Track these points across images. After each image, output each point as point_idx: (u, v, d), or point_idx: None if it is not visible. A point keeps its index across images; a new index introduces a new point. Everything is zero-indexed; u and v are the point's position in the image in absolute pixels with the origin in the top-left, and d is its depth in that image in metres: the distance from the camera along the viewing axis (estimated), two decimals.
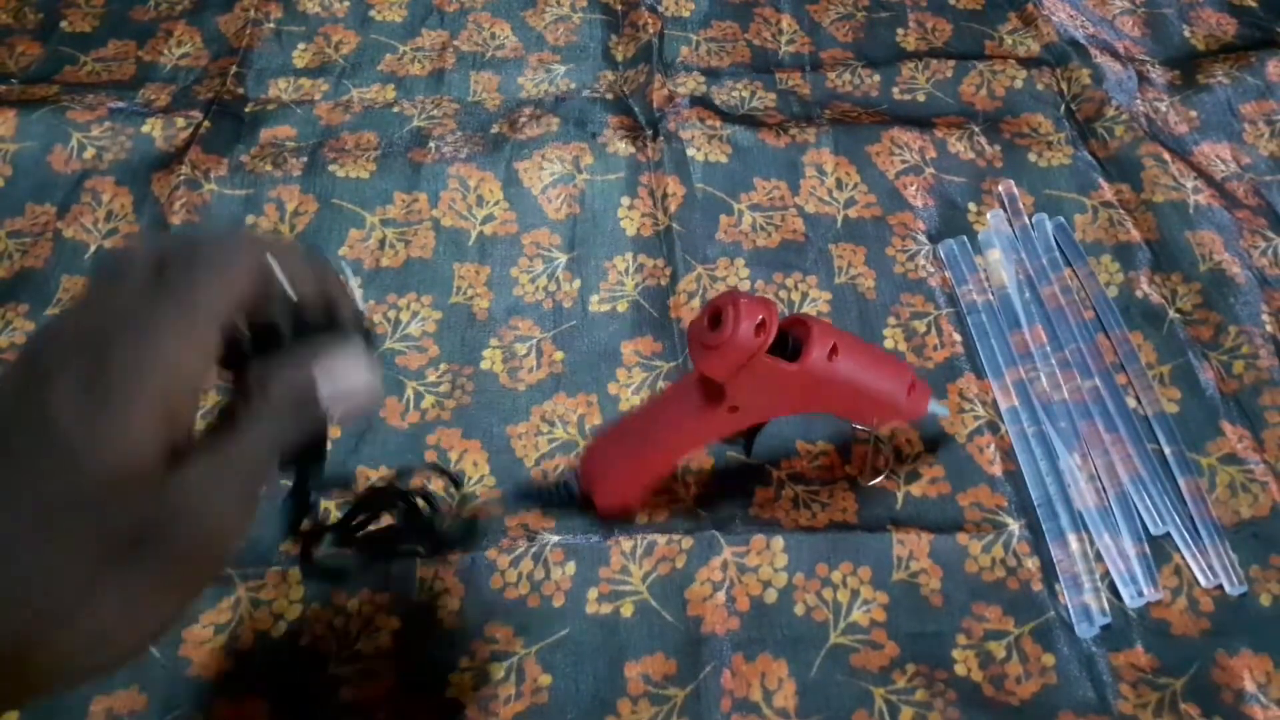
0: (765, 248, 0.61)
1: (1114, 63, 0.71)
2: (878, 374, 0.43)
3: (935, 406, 0.48)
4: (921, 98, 0.71)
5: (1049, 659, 0.46)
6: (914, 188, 0.65)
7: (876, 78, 0.72)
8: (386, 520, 0.43)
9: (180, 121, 0.65)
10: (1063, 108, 0.70)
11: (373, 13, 0.75)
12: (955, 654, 0.47)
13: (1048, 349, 0.56)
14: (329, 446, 0.32)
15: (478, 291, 0.59)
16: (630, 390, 0.55)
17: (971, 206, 0.64)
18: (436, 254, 0.61)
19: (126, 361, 0.24)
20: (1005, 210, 0.63)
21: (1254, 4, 0.78)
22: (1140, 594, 0.48)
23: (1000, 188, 0.64)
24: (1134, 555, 0.49)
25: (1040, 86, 0.71)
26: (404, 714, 0.44)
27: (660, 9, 0.76)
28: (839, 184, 0.65)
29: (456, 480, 0.50)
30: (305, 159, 0.64)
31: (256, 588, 0.47)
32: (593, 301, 0.59)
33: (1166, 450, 0.53)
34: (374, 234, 0.61)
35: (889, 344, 0.57)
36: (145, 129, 0.65)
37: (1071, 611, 0.48)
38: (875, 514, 0.51)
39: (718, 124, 0.67)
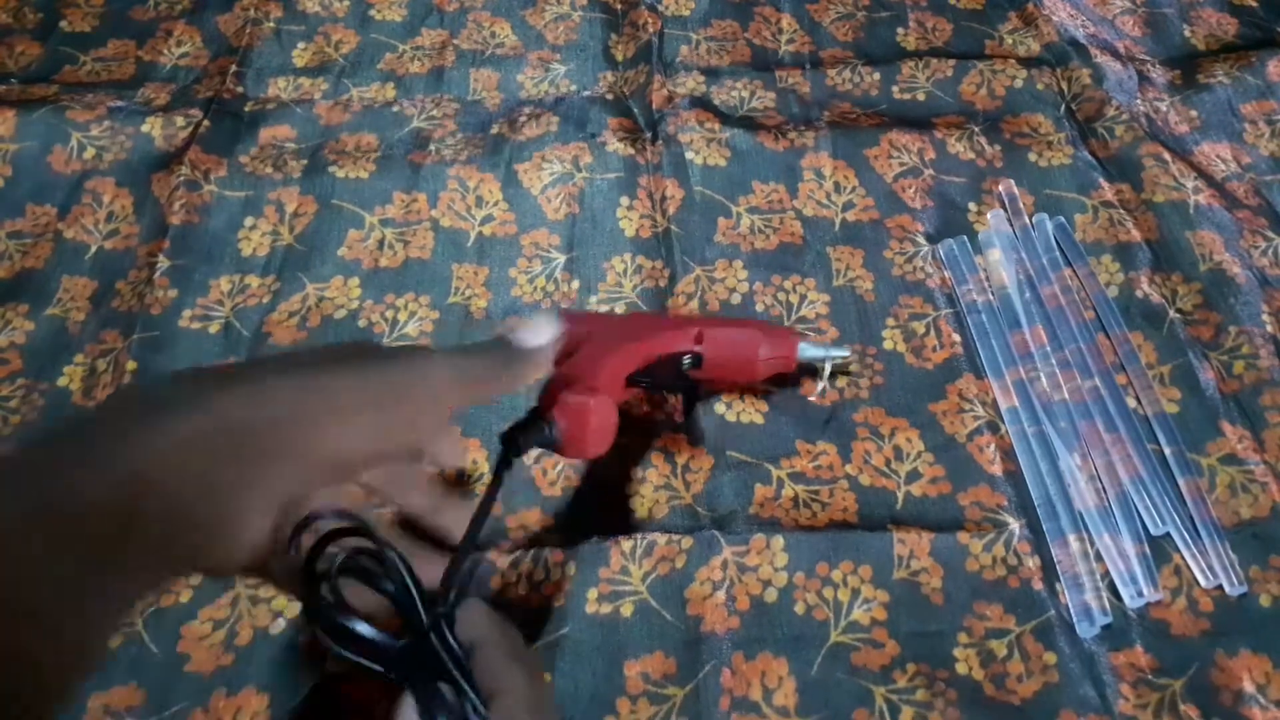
0: (763, 250, 0.61)
1: (1114, 62, 0.71)
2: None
3: (816, 349, 0.51)
4: (921, 97, 0.70)
5: (1050, 657, 0.46)
6: (912, 190, 0.64)
7: (876, 77, 0.72)
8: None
9: (180, 120, 0.65)
10: (1063, 107, 0.70)
11: (372, 12, 0.75)
12: (956, 653, 0.46)
13: (1048, 349, 0.56)
14: None
15: (476, 291, 0.59)
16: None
17: (972, 206, 0.64)
18: (435, 254, 0.61)
19: None
20: (1005, 210, 0.63)
21: (1254, 4, 0.78)
22: (1140, 594, 0.48)
23: (1000, 187, 0.64)
24: (1134, 555, 0.49)
25: (1040, 86, 0.71)
26: None
27: (660, 8, 0.76)
28: (837, 187, 0.64)
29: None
30: (305, 161, 0.64)
31: (256, 584, 0.47)
32: (591, 302, 0.59)
33: (1166, 450, 0.53)
34: (373, 234, 0.61)
35: (887, 345, 0.57)
36: (145, 128, 0.65)
37: (1072, 611, 0.47)
38: (876, 513, 0.51)
39: (716, 127, 0.67)
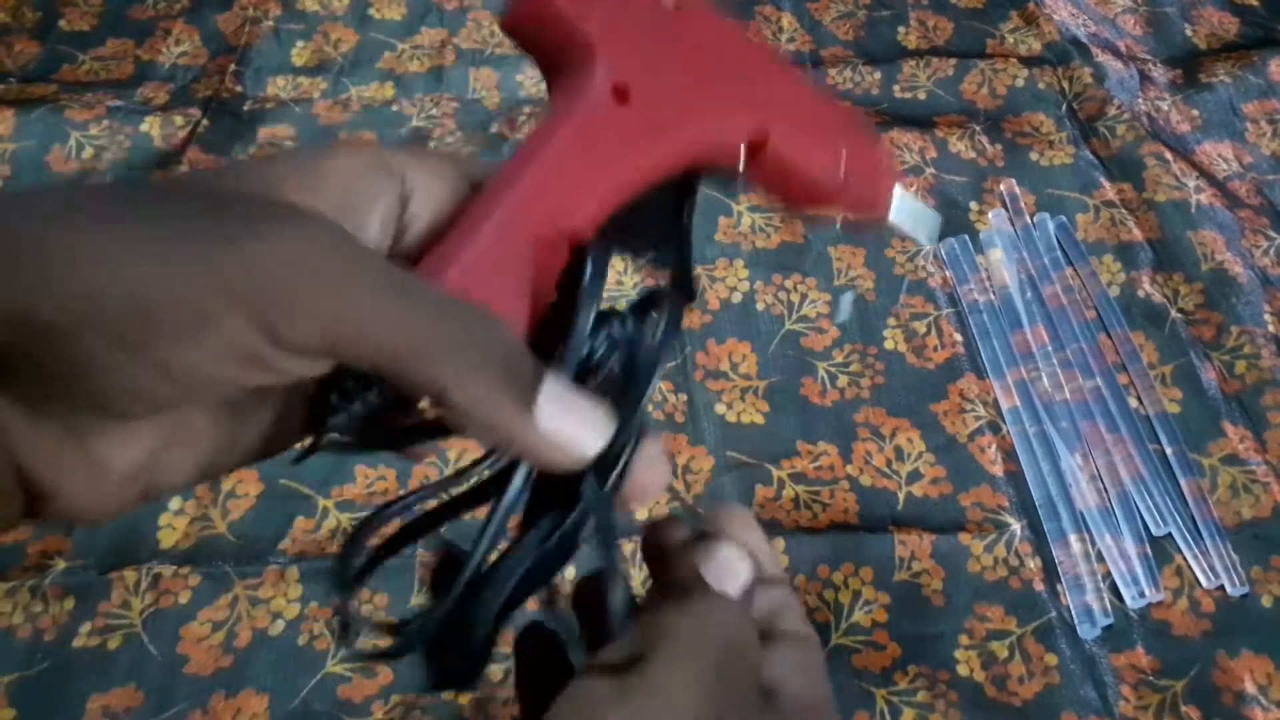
0: (764, 249, 0.61)
1: (1116, 61, 0.71)
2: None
3: (907, 207, 0.28)
4: (923, 96, 0.70)
5: (1051, 659, 0.46)
6: (914, 188, 0.64)
7: (877, 76, 0.71)
8: None
9: (179, 120, 0.65)
10: (1064, 106, 0.69)
11: (372, 10, 0.75)
12: (957, 654, 0.46)
13: (1049, 349, 0.56)
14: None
15: None
16: None
17: (973, 206, 0.64)
18: None
19: None
20: (1007, 209, 0.63)
21: (1256, 3, 0.78)
22: (1142, 595, 0.48)
23: (1002, 187, 0.64)
24: (1135, 556, 0.49)
25: (1042, 85, 0.70)
26: (401, 713, 0.44)
27: None
28: None
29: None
30: None
31: (254, 586, 0.47)
32: None
33: (1168, 450, 0.53)
34: None
35: (889, 345, 0.57)
36: (144, 128, 0.65)
37: (1073, 612, 0.47)
38: (876, 514, 0.51)
39: None
